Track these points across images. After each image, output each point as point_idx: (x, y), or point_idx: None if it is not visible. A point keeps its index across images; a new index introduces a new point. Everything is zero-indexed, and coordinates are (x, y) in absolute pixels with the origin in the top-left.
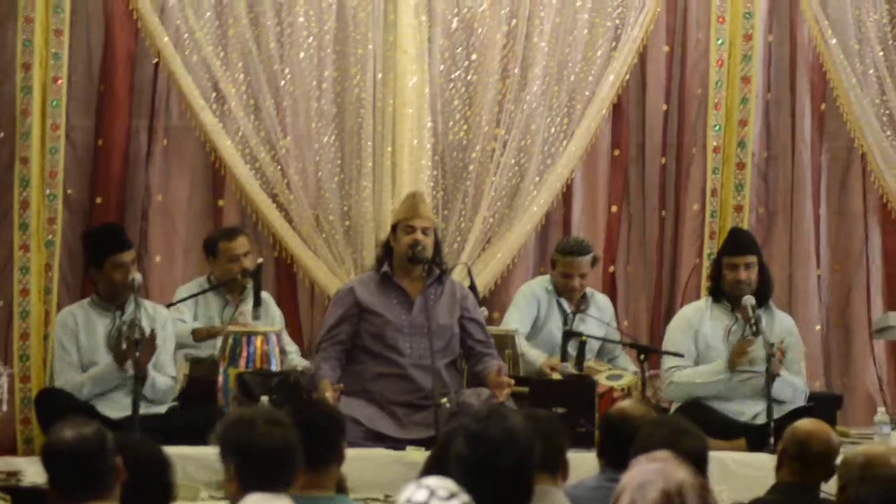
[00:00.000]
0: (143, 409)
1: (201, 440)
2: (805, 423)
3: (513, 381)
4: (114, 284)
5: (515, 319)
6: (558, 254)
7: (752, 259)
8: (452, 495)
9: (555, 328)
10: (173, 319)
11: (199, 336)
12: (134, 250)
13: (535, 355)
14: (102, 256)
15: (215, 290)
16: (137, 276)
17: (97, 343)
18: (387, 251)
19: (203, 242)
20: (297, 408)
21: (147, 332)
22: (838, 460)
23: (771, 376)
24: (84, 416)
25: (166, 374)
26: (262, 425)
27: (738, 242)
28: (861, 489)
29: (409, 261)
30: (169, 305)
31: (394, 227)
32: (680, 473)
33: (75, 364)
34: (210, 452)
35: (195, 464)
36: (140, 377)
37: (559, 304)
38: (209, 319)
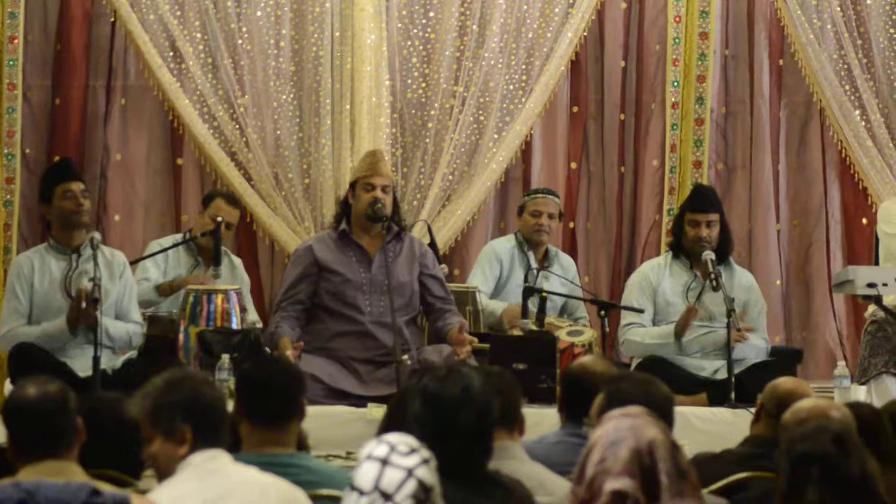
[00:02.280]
0: (104, 365)
1: None
2: (787, 382)
3: (475, 339)
4: (64, 214)
5: (479, 280)
6: (526, 197)
7: (715, 217)
8: (413, 450)
9: (517, 287)
10: (138, 279)
11: (163, 291)
12: (83, 184)
13: (496, 305)
14: (51, 188)
15: (188, 250)
16: (96, 235)
17: (53, 287)
18: (345, 209)
19: (205, 195)
20: (256, 365)
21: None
22: (781, 422)
23: (732, 333)
24: (51, 374)
25: (131, 319)
26: (203, 384)
27: (701, 199)
28: (789, 441)
29: (368, 218)
30: (133, 262)
31: (352, 185)
32: (651, 431)
33: (23, 312)
34: None
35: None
36: (93, 327)
37: (525, 258)
38: (178, 277)
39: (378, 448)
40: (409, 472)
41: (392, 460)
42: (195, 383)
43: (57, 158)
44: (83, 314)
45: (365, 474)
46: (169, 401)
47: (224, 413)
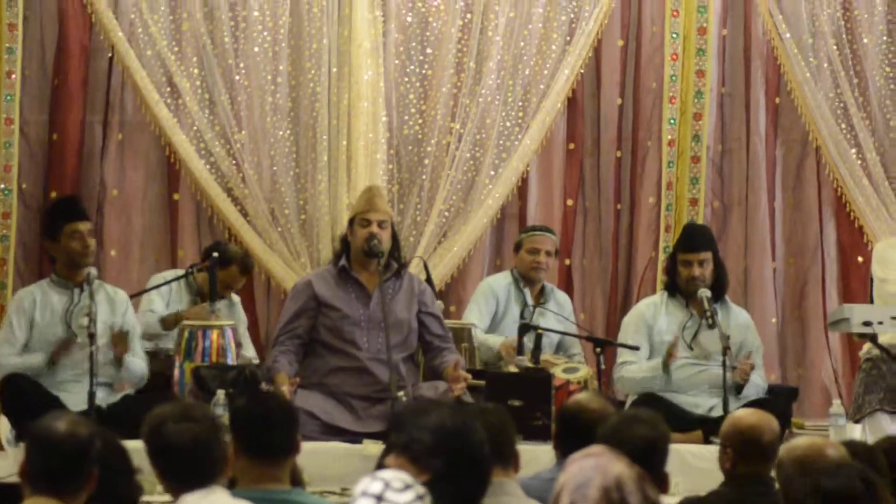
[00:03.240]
0: (99, 400)
1: None
2: (749, 416)
3: (470, 376)
4: (70, 255)
5: (474, 316)
6: (523, 234)
7: (707, 255)
8: (407, 487)
9: (513, 323)
10: (143, 311)
11: (168, 324)
12: (90, 223)
13: (493, 340)
14: (58, 226)
15: (188, 287)
16: (93, 270)
17: (54, 321)
18: (344, 245)
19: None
20: (250, 401)
21: (111, 324)
22: (779, 454)
23: (727, 369)
24: (43, 407)
25: (138, 355)
26: (171, 424)
27: (691, 239)
28: (797, 483)
29: (364, 254)
30: (133, 296)
31: (350, 221)
32: (616, 467)
33: (15, 344)
34: None
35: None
36: (118, 363)
37: (521, 295)
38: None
39: (373, 484)
40: None
41: (387, 497)
42: (161, 424)
43: (54, 194)
44: (62, 355)
45: None
46: (146, 442)
47: (205, 451)
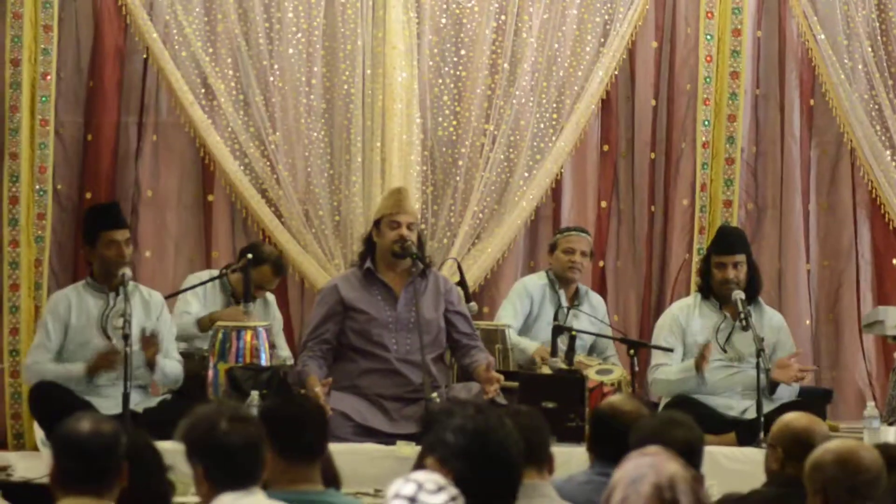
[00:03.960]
0: (134, 405)
1: None
2: (800, 419)
3: (502, 377)
4: (105, 262)
5: (508, 315)
6: (559, 234)
7: (741, 258)
8: (440, 489)
9: (547, 325)
10: (179, 312)
11: (204, 325)
12: (128, 231)
13: (528, 344)
14: (95, 233)
15: (223, 289)
16: (127, 271)
17: (90, 325)
18: (369, 247)
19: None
20: (284, 402)
21: (142, 327)
22: (807, 464)
23: (760, 371)
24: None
25: (172, 357)
26: (224, 424)
27: (725, 241)
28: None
29: (394, 256)
30: (168, 296)
31: (377, 223)
32: (671, 466)
33: (50, 348)
34: None
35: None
36: (150, 365)
37: (556, 296)
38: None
39: (406, 486)
40: None
41: (420, 499)
42: (214, 423)
43: (89, 195)
44: (103, 365)
45: None
46: (187, 439)
47: (248, 454)
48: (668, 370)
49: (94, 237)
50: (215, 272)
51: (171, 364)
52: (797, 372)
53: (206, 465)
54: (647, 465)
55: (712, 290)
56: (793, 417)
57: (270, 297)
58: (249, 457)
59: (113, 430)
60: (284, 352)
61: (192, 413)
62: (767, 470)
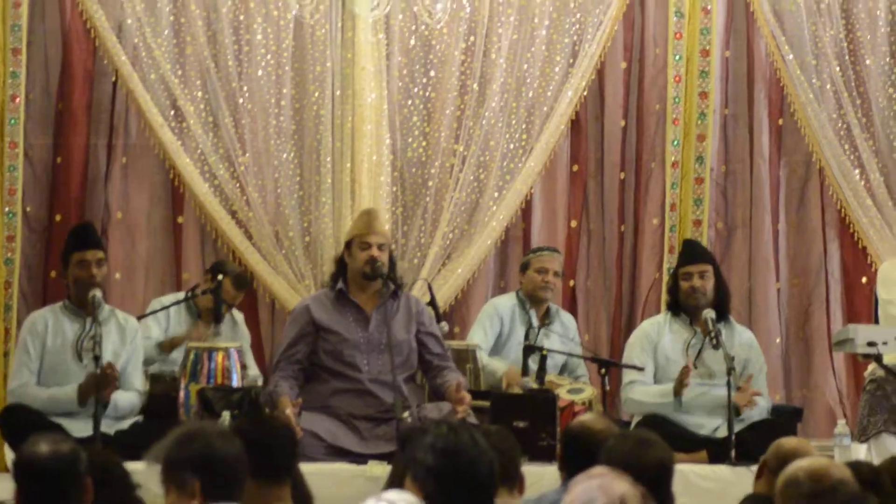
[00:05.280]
0: (106, 427)
1: None
2: (791, 441)
3: (470, 397)
4: (77, 282)
5: (479, 336)
6: (531, 254)
7: (706, 268)
8: None
9: (518, 345)
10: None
11: (165, 348)
12: (101, 252)
13: (497, 366)
14: (68, 254)
15: (189, 311)
16: (98, 293)
17: (65, 348)
18: (341, 268)
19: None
20: (250, 424)
21: (107, 350)
22: (779, 481)
23: (731, 392)
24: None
25: (133, 388)
26: (216, 438)
27: (690, 252)
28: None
29: (365, 277)
30: (140, 317)
31: (348, 244)
32: (620, 486)
33: (33, 369)
34: None
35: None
36: (102, 404)
37: (527, 316)
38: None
39: None
40: None
41: None
42: (208, 438)
43: (58, 217)
44: (92, 390)
45: None
46: (180, 455)
47: (239, 467)
48: (644, 390)
49: (68, 258)
50: (180, 295)
51: (125, 397)
52: (751, 396)
53: (204, 479)
54: (596, 487)
55: (681, 306)
56: (786, 440)
57: (239, 316)
58: (242, 469)
59: (71, 449)
60: (253, 371)
61: (177, 432)
62: (754, 485)
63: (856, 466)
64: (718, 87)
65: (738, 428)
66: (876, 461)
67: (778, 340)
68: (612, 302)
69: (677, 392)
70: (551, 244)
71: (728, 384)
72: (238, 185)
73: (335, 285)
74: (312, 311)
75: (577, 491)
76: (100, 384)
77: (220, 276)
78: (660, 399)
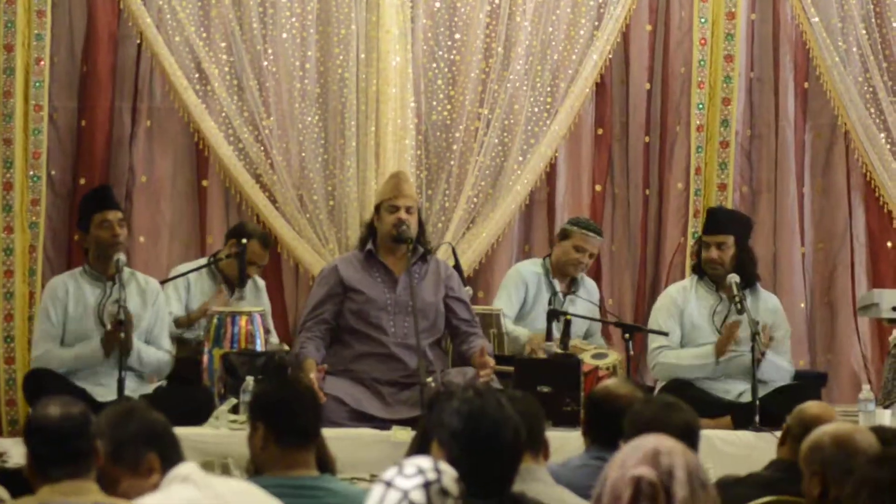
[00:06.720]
0: (130, 392)
1: (188, 421)
2: (813, 407)
3: (494, 362)
4: (100, 244)
5: (504, 303)
6: (575, 226)
7: (725, 238)
8: (420, 472)
9: (543, 311)
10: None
11: (181, 324)
12: (121, 212)
13: (521, 332)
14: (88, 217)
15: (211, 274)
16: (122, 257)
17: (87, 314)
18: (370, 231)
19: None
20: (273, 388)
21: (133, 312)
22: (803, 446)
23: (756, 356)
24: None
25: (161, 347)
26: (147, 410)
27: (712, 222)
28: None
29: (393, 240)
30: (163, 282)
31: (377, 207)
32: (670, 442)
33: (56, 335)
34: (198, 432)
35: (183, 444)
36: (125, 350)
37: (551, 286)
38: (202, 302)
39: (389, 470)
40: (405, 495)
41: (395, 482)
42: (144, 411)
43: (83, 181)
44: (115, 338)
45: (371, 498)
46: (127, 433)
47: (174, 434)
48: (677, 353)
49: (87, 221)
50: (201, 261)
51: (150, 352)
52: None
53: (159, 449)
54: (646, 438)
55: (703, 272)
56: (808, 405)
57: (261, 282)
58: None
59: (82, 411)
60: (274, 338)
61: (108, 416)
62: (777, 451)
63: (880, 432)
64: (744, 50)
65: (762, 393)
66: None
67: (802, 305)
68: (636, 266)
69: (720, 352)
70: (576, 208)
71: (753, 350)
72: (262, 148)
73: (364, 247)
74: (341, 271)
75: (626, 446)
76: (120, 328)
77: (244, 240)
78: (698, 361)
